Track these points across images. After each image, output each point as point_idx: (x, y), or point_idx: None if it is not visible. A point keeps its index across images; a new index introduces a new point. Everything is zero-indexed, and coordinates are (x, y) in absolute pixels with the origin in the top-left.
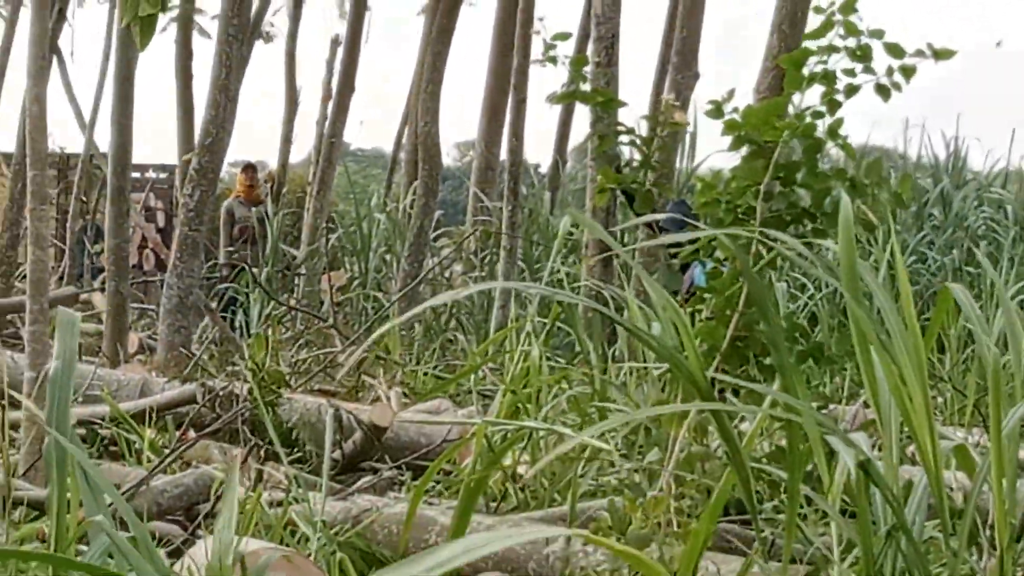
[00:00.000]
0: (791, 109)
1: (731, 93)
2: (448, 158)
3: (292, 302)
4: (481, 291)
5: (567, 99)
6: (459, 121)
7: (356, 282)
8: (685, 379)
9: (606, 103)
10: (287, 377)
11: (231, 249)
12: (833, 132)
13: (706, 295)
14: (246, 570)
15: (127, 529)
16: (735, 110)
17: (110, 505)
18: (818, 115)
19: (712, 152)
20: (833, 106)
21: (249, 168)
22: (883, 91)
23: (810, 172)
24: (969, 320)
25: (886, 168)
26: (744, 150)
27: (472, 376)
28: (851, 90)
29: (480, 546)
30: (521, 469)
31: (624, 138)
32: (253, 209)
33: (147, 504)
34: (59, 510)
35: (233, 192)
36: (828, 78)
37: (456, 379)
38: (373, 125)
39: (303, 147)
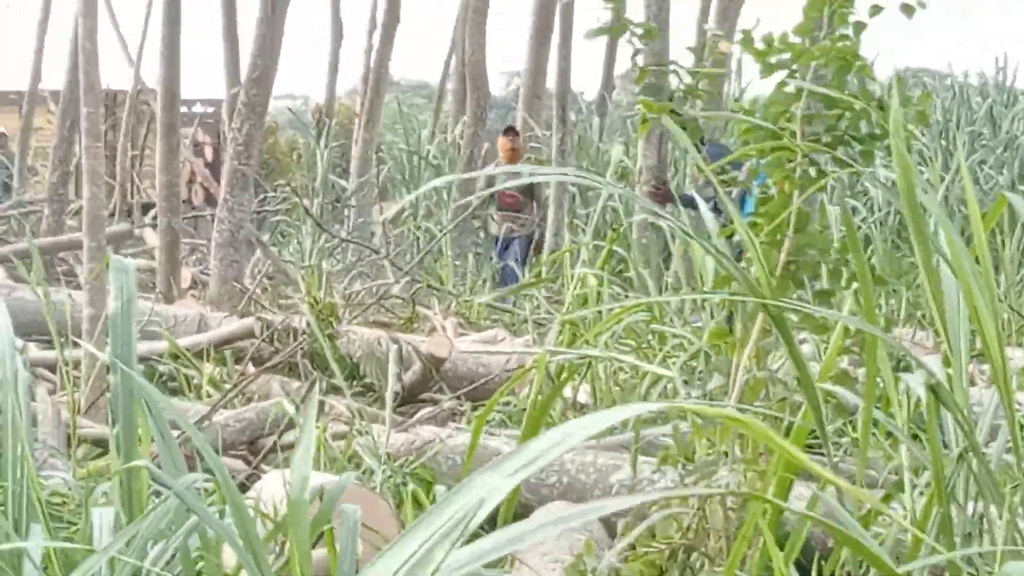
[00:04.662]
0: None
1: (758, 21)
2: (494, 87)
3: (343, 234)
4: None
5: (604, 33)
6: (503, 50)
7: (407, 213)
8: (753, 298)
9: (645, 33)
10: (342, 310)
11: None
12: (854, 55)
13: (758, 220)
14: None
15: (194, 466)
16: (764, 39)
17: (178, 438)
18: (843, 38)
19: (753, 78)
20: (858, 28)
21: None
22: (908, 9)
23: (841, 94)
24: None
25: (932, 87)
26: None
27: (528, 305)
28: (875, 10)
29: (572, 434)
30: (580, 397)
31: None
32: None
33: (210, 439)
34: (128, 450)
35: None
36: None
37: (509, 292)
38: (415, 55)
39: (347, 78)
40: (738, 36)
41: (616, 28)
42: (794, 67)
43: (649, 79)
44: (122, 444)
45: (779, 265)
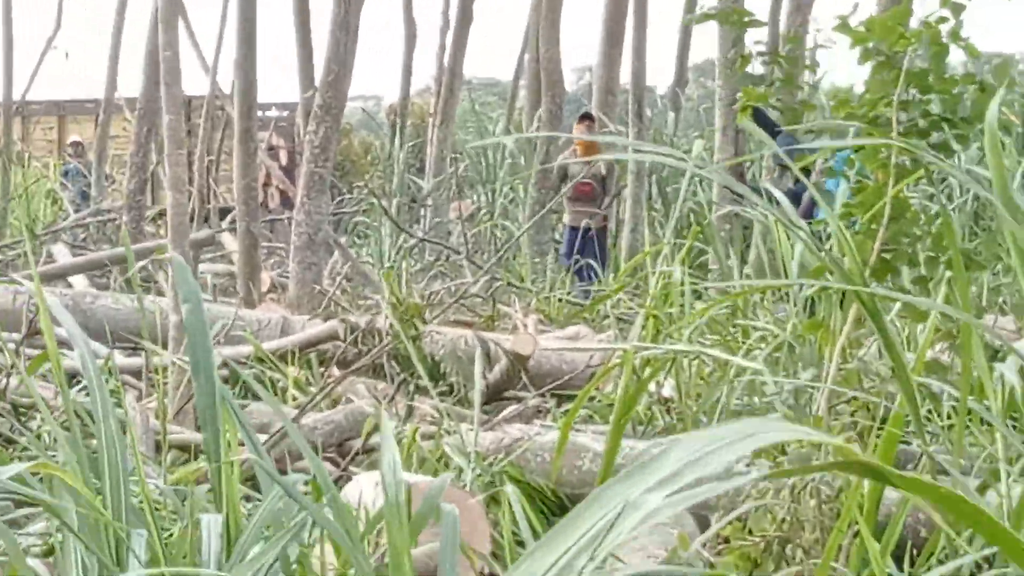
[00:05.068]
0: (914, 17)
1: (856, 7)
2: (564, 83)
3: (420, 234)
4: (612, 216)
5: (706, 19)
6: (573, 46)
7: (483, 211)
8: (850, 290)
9: (746, 23)
10: (423, 310)
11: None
12: (956, 35)
13: (852, 209)
14: (410, 502)
15: (282, 470)
16: (861, 24)
17: (266, 443)
18: (942, 20)
19: (828, 70)
20: (956, 9)
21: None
22: None
23: (939, 78)
24: None
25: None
26: (871, 63)
27: (608, 301)
28: None
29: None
30: (665, 391)
31: (759, 57)
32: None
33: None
34: (217, 454)
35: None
36: None
37: (599, 302)
38: (485, 53)
39: (418, 77)
40: (819, 25)
41: (719, 14)
42: (893, 51)
43: (748, 68)
44: (210, 448)
45: (874, 254)
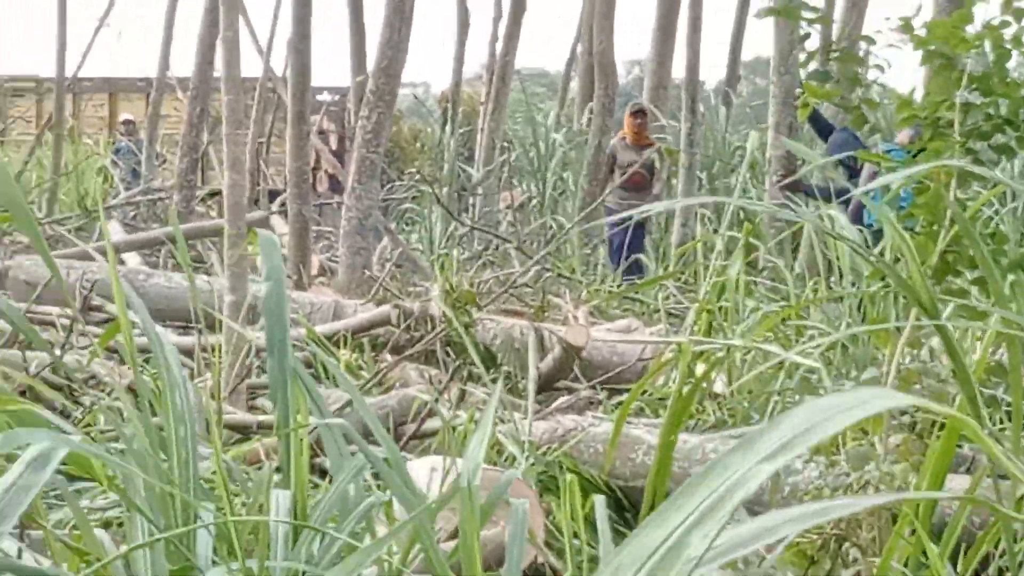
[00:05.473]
0: (975, 22)
1: (919, 9)
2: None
3: (469, 222)
4: (663, 211)
5: (775, 14)
6: (623, 39)
7: (533, 202)
8: (908, 294)
9: (813, 20)
10: (476, 297)
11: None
12: (1018, 40)
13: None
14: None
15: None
16: (923, 26)
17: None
18: (1004, 24)
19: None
20: (1019, 14)
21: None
22: None
23: (1002, 81)
24: None
25: None
26: (929, 66)
27: (659, 295)
28: None
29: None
30: (716, 387)
31: (828, 53)
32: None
33: (354, 425)
34: (288, 433)
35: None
36: None
37: (644, 286)
38: (533, 44)
39: (466, 65)
40: (889, 24)
41: (785, 9)
42: (955, 54)
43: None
44: (281, 424)
45: (936, 255)
